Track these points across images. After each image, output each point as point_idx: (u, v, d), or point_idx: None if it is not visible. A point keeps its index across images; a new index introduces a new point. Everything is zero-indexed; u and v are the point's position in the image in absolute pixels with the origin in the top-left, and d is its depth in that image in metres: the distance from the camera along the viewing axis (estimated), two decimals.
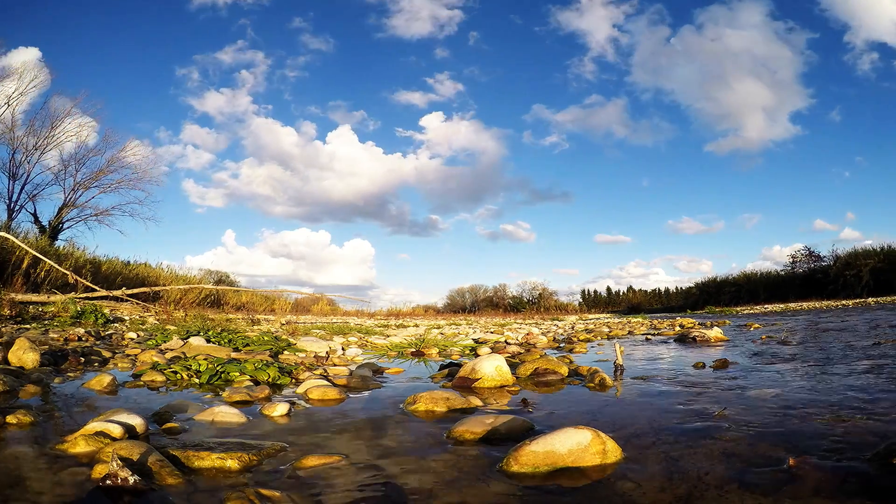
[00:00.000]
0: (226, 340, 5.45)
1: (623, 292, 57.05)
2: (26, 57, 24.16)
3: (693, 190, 46.70)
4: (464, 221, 48.72)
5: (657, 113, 43.06)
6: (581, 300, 56.36)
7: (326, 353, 5.38)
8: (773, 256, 45.94)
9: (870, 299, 24.83)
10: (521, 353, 5.16)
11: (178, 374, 3.66)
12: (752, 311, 24.73)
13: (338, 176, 44.00)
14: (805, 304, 26.56)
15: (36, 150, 23.70)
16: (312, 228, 50.02)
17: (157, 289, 12.37)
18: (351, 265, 44.40)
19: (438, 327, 13.00)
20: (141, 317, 9.82)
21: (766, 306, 28.96)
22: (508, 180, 47.24)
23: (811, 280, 35.92)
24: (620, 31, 39.24)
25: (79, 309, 8.38)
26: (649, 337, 8.58)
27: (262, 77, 40.84)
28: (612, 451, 1.81)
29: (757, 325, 10.48)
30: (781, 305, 28.05)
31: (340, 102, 44.04)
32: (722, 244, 48.14)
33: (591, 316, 34.75)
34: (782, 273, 40.22)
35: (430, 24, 39.93)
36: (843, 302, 25.66)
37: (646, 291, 56.15)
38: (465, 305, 51.98)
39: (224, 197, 42.80)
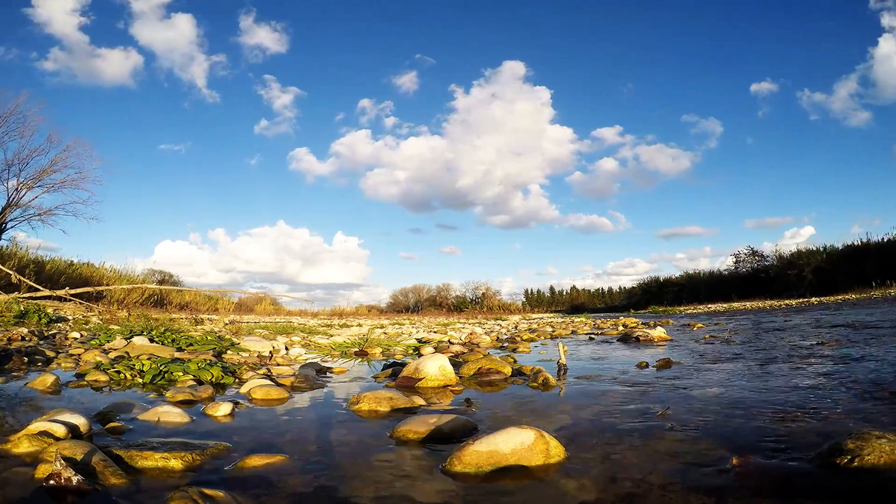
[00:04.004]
0: (169, 340, 5.37)
1: (566, 292, 58.14)
2: None
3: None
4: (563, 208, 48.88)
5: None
6: (524, 299, 57.23)
7: (270, 352, 5.35)
8: None
9: (813, 299, 25.68)
10: (464, 353, 5.20)
11: (122, 374, 3.61)
12: (695, 311, 25.46)
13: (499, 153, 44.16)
14: (748, 304, 27.35)
15: None
16: (389, 216, 50.52)
17: (100, 288, 11.98)
18: (343, 262, 44.94)
19: (382, 327, 13.02)
20: (84, 316, 9.60)
21: (709, 306, 29.84)
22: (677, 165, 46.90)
23: (754, 279, 37.14)
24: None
25: (22, 309, 8.27)
26: (593, 337, 8.77)
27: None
28: (555, 451, 1.83)
29: (700, 325, 10.80)
30: (724, 305, 28.92)
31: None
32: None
33: (534, 315, 35.26)
34: (725, 273, 41.58)
35: None
36: (787, 301, 26.51)
37: (589, 291, 57.59)
38: (409, 305, 52.25)
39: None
